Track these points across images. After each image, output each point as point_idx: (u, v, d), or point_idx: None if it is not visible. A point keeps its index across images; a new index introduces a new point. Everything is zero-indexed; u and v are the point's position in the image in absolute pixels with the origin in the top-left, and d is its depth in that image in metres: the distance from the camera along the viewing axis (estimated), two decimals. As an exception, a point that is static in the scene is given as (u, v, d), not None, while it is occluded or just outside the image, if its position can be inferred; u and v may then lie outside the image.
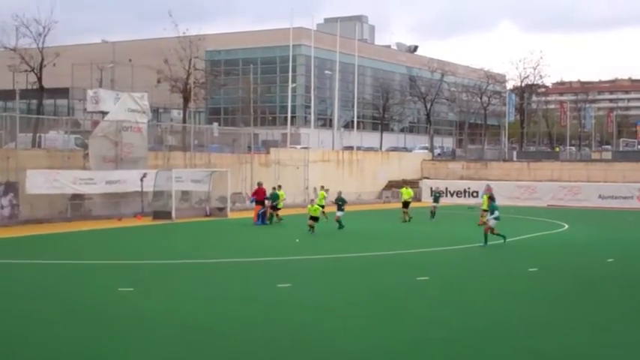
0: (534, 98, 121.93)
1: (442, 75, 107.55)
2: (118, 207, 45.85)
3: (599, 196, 62.88)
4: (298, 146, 69.74)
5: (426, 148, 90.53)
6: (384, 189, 70.50)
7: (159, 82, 70.38)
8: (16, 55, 57.41)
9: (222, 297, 19.30)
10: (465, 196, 65.72)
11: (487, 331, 15.71)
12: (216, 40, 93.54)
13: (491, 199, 33.70)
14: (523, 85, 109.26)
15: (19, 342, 14.49)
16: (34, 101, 62.48)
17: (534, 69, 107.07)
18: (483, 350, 14.22)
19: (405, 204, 44.74)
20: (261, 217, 41.58)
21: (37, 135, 49.46)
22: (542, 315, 17.36)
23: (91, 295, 19.43)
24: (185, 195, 48.75)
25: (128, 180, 45.16)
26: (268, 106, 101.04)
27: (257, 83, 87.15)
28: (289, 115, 79.13)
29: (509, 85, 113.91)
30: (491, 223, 31.14)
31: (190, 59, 67.31)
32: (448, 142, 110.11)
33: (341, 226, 38.40)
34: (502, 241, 31.27)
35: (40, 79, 56.94)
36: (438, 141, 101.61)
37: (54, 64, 60.50)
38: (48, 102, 73.99)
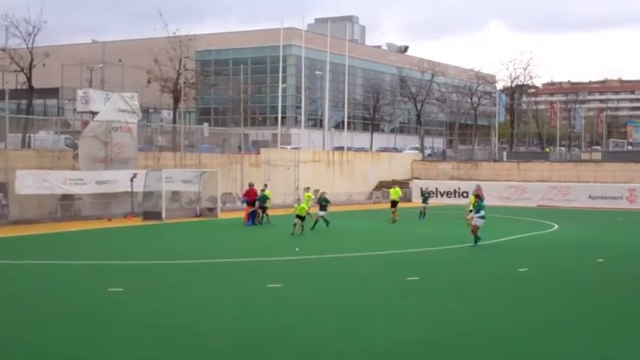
0: (524, 99, 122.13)
1: (432, 75, 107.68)
2: (108, 207, 45.75)
3: (589, 197, 63.08)
4: (289, 146, 69.63)
5: (417, 149, 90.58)
6: (374, 189, 70.47)
7: (149, 82, 70.22)
8: (6, 55, 57.18)
9: (211, 297, 19.24)
10: (455, 196, 65.79)
11: (477, 331, 15.67)
12: (206, 40, 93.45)
13: (479, 197, 33.47)
14: (513, 85, 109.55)
15: (7, 342, 14.45)
16: (24, 101, 62.37)
17: (524, 69, 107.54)
18: (473, 350, 14.19)
19: (394, 204, 44.71)
20: (252, 218, 41.45)
21: (27, 135, 49.38)
22: (532, 315, 17.36)
23: (81, 296, 19.38)
24: (175, 195, 48.71)
25: (118, 180, 45.02)
26: (259, 106, 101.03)
27: (247, 83, 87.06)
28: (280, 115, 79.13)
29: (500, 86, 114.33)
30: (478, 222, 30.95)
31: (180, 59, 67.19)
32: (438, 143, 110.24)
33: (327, 223, 38.28)
34: (474, 244, 30.84)
35: (29, 79, 56.77)
36: (428, 141, 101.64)
37: (43, 64, 60.35)
38: (38, 102, 73.76)
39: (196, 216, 46.68)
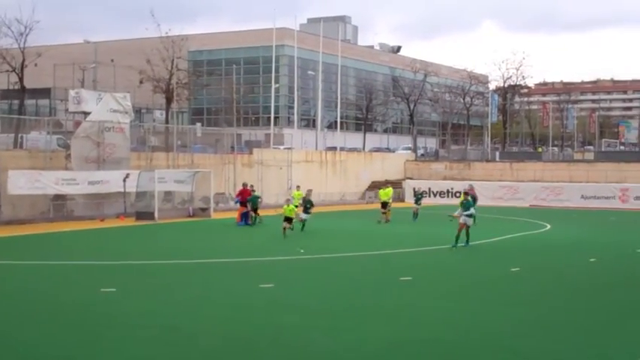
0: (517, 99, 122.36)
1: (425, 75, 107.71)
2: (101, 207, 45.72)
3: (582, 197, 63.20)
4: (281, 147, 69.56)
5: (409, 149, 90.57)
6: (367, 189, 70.44)
7: (141, 82, 70.16)
8: (-2, 55, 57.14)
9: (203, 297, 19.20)
10: (448, 196, 65.75)
11: (469, 331, 15.63)
12: (198, 41, 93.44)
13: (467, 195, 33.29)
14: (506, 85, 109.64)
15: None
16: (16, 101, 62.27)
17: (517, 70, 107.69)
18: (465, 350, 14.17)
19: (384, 205, 44.71)
20: (245, 218, 41.36)
21: (19, 135, 49.28)
22: (525, 315, 17.35)
23: (73, 296, 19.33)
24: (168, 195, 48.55)
25: (111, 180, 45.00)
26: (251, 106, 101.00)
27: (240, 83, 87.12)
28: (272, 115, 79.12)
29: (492, 86, 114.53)
30: (468, 221, 30.81)
31: (173, 59, 67.14)
32: (431, 143, 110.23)
33: (303, 228, 36.87)
34: (453, 245, 30.47)
35: (21, 79, 56.64)
36: (421, 141, 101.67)
37: (35, 64, 60.28)
38: (30, 102, 73.70)
39: (189, 216, 46.59)
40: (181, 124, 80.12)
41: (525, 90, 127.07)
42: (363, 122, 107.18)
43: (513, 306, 18.53)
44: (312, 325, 16.22)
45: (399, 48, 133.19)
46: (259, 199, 42.84)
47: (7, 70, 58.45)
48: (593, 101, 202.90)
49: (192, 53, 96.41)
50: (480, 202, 44.36)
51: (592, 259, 27.72)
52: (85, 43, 79.47)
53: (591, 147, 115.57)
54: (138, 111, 74.36)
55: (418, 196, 47.30)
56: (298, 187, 45.91)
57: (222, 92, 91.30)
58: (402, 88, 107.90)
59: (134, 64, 71.69)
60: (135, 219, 43.62)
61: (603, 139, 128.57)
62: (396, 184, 65.13)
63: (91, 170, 45.01)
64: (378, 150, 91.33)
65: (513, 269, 24.53)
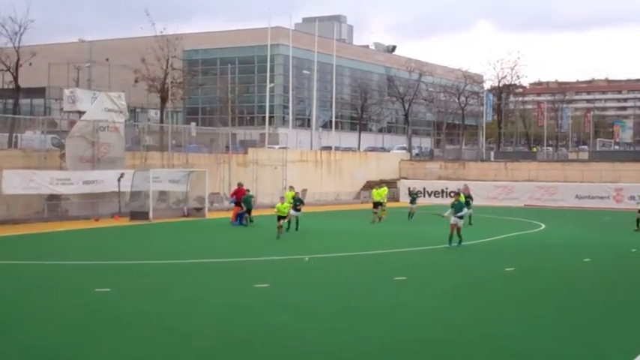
0: (512, 98, 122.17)
1: (420, 75, 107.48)
2: (95, 207, 45.60)
3: (576, 196, 63.40)
4: (276, 146, 69.51)
5: (404, 149, 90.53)
6: (362, 189, 70.43)
7: (136, 81, 70.09)
8: (-8, 55, 57.01)
9: (198, 297, 19.16)
10: (442, 196, 65.77)
11: (464, 331, 15.60)
12: (193, 40, 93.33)
13: (458, 195, 33.34)
14: (500, 85, 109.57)
15: (-6, 343, 14.39)
16: (10, 101, 62.06)
17: (512, 69, 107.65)
18: (460, 350, 14.15)
19: (376, 205, 44.68)
20: (240, 218, 41.34)
21: (14, 135, 49.13)
22: (520, 315, 17.35)
23: (68, 296, 19.28)
24: (163, 195, 48.57)
25: (105, 180, 44.95)
26: (246, 106, 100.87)
27: (235, 83, 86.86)
28: (267, 115, 78.93)
29: (487, 86, 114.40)
30: (458, 222, 30.80)
31: (168, 59, 67.03)
32: (426, 143, 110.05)
33: (288, 228, 36.40)
34: (448, 245, 30.58)
35: (16, 78, 56.48)
36: (416, 141, 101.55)
37: (30, 64, 60.14)
38: (24, 102, 73.59)
39: (184, 216, 46.56)
40: (176, 123, 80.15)
41: (520, 90, 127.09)
42: (358, 122, 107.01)
43: (508, 306, 18.48)
44: (306, 325, 16.19)
45: (394, 48, 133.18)
46: (252, 199, 42.77)
47: (2, 70, 58.28)
48: (588, 101, 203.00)
49: (187, 52, 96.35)
50: (474, 202, 44.69)
51: (586, 259, 27.72)
52: (80, 42, 79.29)
53: (586, 147, 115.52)
54: (132, 110, 74.34)
55: (413, 196, 47.29)
56: (291, 187, 45.72)
57: (217, 92, 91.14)
58: (397, 88, 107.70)
59: (129, 63, 71.60)
60: (129, 219, 43.52)
61: (598, 139, 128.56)
62: (391, 184, 65.23)
63: (85, 170, 44.89)
64: (372, 150, 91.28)
65: (508, 269, 24.50)
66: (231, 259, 27.09)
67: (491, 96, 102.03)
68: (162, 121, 67.48)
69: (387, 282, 21.86)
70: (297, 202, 37.91)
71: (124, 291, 20.00)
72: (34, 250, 30.00)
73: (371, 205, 46.12)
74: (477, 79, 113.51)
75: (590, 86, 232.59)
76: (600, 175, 65.76)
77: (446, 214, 31.38)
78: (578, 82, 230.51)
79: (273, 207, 35.51)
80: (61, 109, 52.40)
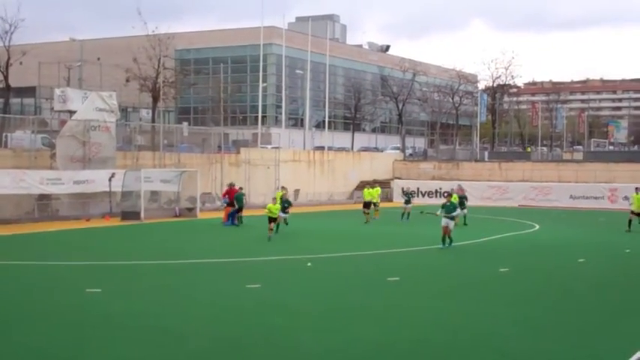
0: (506, 98, 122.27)
1: (414, 75, 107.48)
2: (86, 207, 45.52)
3: (571, 197, 63.37)
4: (269, 146, 69.28)
5: (398, 149, 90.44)
6: (355, 189, 70.22)
7: (128, 81, 69.99)
8: (-18, 54, 56.76)
9: (190, 298, 19.04)
10: (436, 196, 65.51)
11: (458, 331, 15.52)
12: (185, 39, 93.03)
13: (450, 195, 33.20)
14: (495, 85, 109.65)
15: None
16: (1, 100, 61.79)
17: (506, 69, 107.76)
18: (454, 351, 14.08)
19: (366, 204, 44.37)
20: (231, 218, 41.15)
21: (4, 134, 48.94)
22: (515, 315, 17.29)
23: (58, 297, 19.17)
24: (154, 195, 48.53)
25: (96, 180, 44.81)
26: (239, 105, 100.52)
27: (227, 82, 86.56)
28: (260, 114, 78.59)
29: (481, 85, 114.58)
30: (450, 223, 30.67)
31: (160, 58, 66.96)
32: (420, 143, 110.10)
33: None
34: (441, 245, 30.49)
35: (6, 77, 56.31)
36: (409, 141, 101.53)
37: (20, 63, 59.99)
38: (15, 101, 73.44)
39: (175, 216, 46.48)
40: (168, 123, 79.91)
41: (514, 89, 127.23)
42: (351, 122, 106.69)
43: (502, 306, 18.39)
44: (300, 325, 16.13)
45: (387, 47, 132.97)
46: (244, 197, 42.56)
47: (-8, 69, 58.06)
48: (583, 101, 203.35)
49: (179, 52, 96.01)
50: (468, 202, 44.60)
51: (581, 260, 27.62)
52: (71, 41, 78.93)
53: (580, 147, 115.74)
54: (124, 110, 74.06)
55: (408, 197, 46.91)
56: (283, 187, 45.52)
57: (210, 91, 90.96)
58: (391, 88, 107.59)
59: (120, 62, 71.38)
60: (120, 219, 43.41)
61: (592, 139, 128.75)
62: (385, 184, 65.11)
63: (76, 170, 44.74)
64: (366, 150, 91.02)
65: (502, 270, 24.40)
66: (224, 260, 26.97)
67: (485, 96, 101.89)
68: (153, 121, 67.37)
69: (380, 282, 21.73)
70: (286, 204, 37.68)
71: (116, 292, 19.84)
72: (24, 251, 29.83)
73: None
74: (471, 79, 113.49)
75: (585, 86, 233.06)
76: (595, 175, 65.75)
77: (437, 212, 31.16)
78: (572, 82, 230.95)
79: (265, 207, 35.03)
80: (52, 109, 52.25)
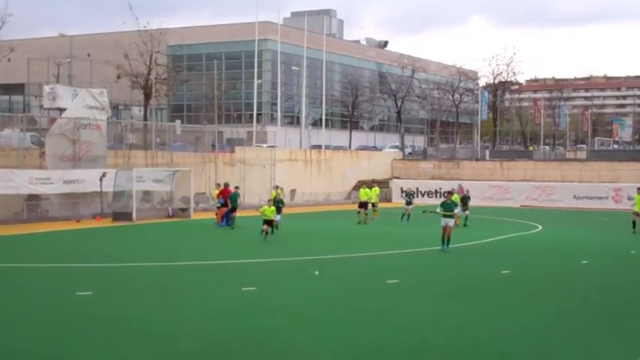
0: (507, 96, 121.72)
1: (413, 71, 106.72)
2: (77, 208, 45.21)
3: (574, 197, 63.03)
4: (264, 145, 69.21)
5: (397, 147, 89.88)
6: (353, 189, 69.32)
7: (119, 77, 69.93)
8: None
9: (184, 300, 18.93)
10: (436, 196, 64.67)
11: (457, 333, 15.51)
12: (178, 35, 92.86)
13: (450, 194, 33.41)
14: (496, 82, 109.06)
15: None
16: (-12, 97, 61.24)
17: (507, 66, 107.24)
18: (453, 355, 14.06)
19: (362, 205, 43.53)
20: (225, 219, 40.68)
21: (-9, 133, 48.24)
22: (516, 318, 17.30)
23: (48, 299, 19.07)
24: (146, 195, 48.20)
25: (87, 180, 44.51)
26: (233, 103, 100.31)
27: (221, 79, 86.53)
28: (255, 112, 78.08)
29: (482, 82, 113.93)
30: (449, 222, 30.38)
31: (151, 54, 66.95)
32: (419, 141, 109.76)
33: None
34: (441, 247, 30.16)
35: (-6, 74, 55.56)
36: (408, 140, 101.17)
37: (8, 59, 59.62)
38: (3, 98, 74.11)
39: (168, 216, 46.19)
40: (160, 121, 79.76)
41: (516, 86, 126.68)
42: (348, 119, 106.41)
43: (504, 309, 18.36)
44: (295, 328, 16.09)
45: (385, 43, 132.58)
46: (238, 196, 41.81)
47: (-21, 66, 57.40)
48: (586, 98, 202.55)
49: (172, 48, 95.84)
50: (469, 202, 43.83)
51: (584, 262, 27.49)
52: (60, 36, 78.59)
53: (584, 145, 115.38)
54: (115, 107, 73.52)
55: (409, 197, 45.84)
56: (277, 187, 44.79)
57: (203, 88, 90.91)
58: (389, 85, 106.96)
59: (111, 58, 71.24)
60: (112, 220, 43.18)
61: (596, 138, 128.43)
62: (383, 184, 64.66)
63: (66, 169, 44.41)
64: (364, 148, 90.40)
65: (504, 271, 24.43)
66: (218, 262, 26.85)
67: (486, 93, 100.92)
68: (145, 119, 67.39)
69: (378, 285, 21.63)
70: (280, 204, 37.47)
71: (107, 294, 19.72)
72: (13, 253, 29.78)
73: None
74: (472, 76, 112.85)
75: (588, 83, 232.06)
76: (599, 174, 65.36)
77: (438, 210, 30.99)
78: (575, 79, 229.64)
79: (259, 209, 34.47)
80: (41, 106, 52.42)
